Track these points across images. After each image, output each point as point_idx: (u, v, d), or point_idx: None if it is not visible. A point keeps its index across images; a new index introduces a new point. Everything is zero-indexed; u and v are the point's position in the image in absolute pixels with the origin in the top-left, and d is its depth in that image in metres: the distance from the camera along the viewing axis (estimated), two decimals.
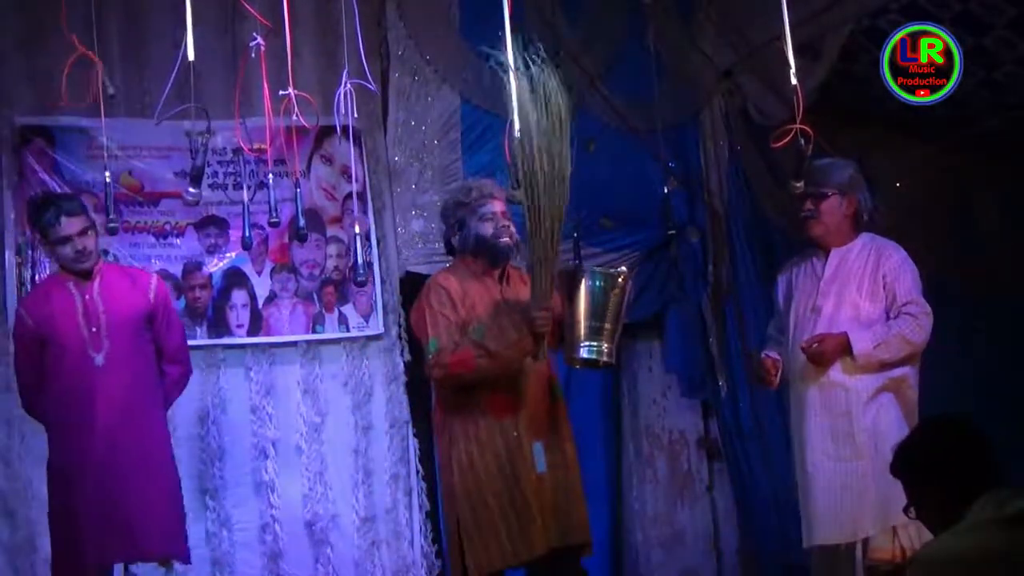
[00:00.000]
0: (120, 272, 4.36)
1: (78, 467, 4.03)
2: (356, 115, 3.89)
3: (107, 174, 3.79)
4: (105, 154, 3.98)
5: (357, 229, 4.17)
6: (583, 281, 3.82)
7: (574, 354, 3.85)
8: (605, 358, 3.84)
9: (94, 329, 4.07)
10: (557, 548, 3.80)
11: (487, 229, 3.92)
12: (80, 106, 4.15)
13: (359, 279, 4.22)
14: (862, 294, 4.24)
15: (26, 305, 4.21)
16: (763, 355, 4.40)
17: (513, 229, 3.98)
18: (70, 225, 4.04)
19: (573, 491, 3.92)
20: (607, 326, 3.81)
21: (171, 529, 4.15)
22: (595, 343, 3.80)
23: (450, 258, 4.18)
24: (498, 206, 3.95)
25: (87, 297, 4.10)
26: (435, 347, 3.81)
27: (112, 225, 3.93)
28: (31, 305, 4.17)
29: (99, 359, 4.06)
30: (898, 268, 4.24)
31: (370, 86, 3.99)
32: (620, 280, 3.84)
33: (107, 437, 4.03)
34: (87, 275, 4.13)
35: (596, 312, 3.80)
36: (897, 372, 4.18)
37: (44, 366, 4.10)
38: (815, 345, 4.17)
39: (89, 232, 4.09)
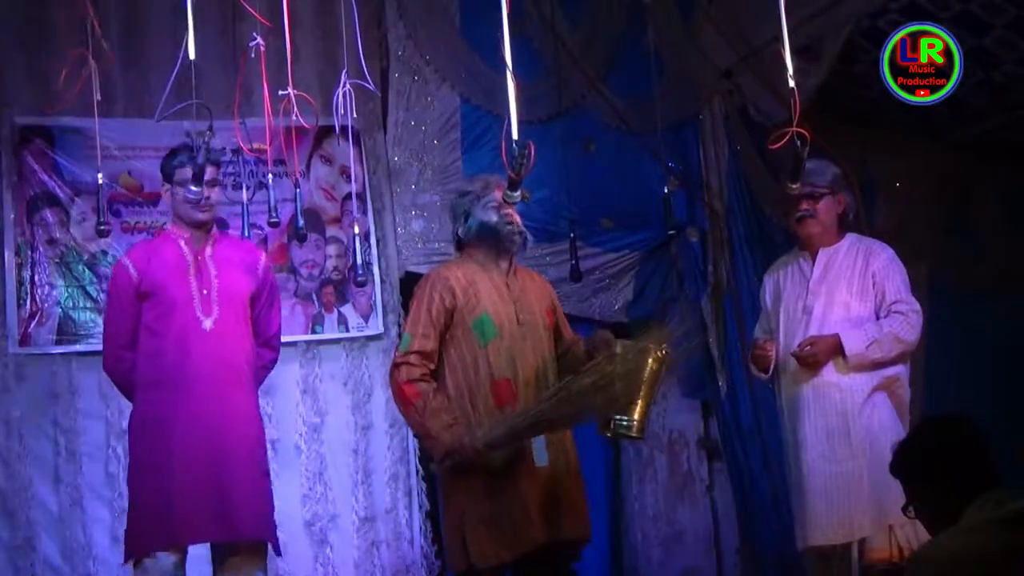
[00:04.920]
0: (234, 243, 4.15)
1: (177, 431, 3.75)
2: (356, 115, 3.88)
3: (99, 176, 3.71)
4: (99, 155, 3.95)
5: (356, 229, 4.16)
6: (616, 352, 3.78)
7: (605, 427, 3.82)
8: (634, 433, 3.80)
9: (205, 292, 3.85)
10: (555, 543, 3.80)
11: (491, 216, 3.94)
12: (80, 106, 4.15)
13: (359, 279, 4.22)
14: (852, 294, 4.24)
15: (131, 256, 3.93)
16: (755, 339, 4.42)
17: (518, 219, 3.98)
18: (209, 171, 3.79)
19: (574, 486, 3.92)
20: (639, 400, 3.76)
21: (266, 512, 3.89)
22: (625, 417, 3.74)
23: (453, 256, 4.19)
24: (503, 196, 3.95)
25: (199, 259, 3.89)
26: (405, 346, 3.84)
27: (102, 227, 3.68)
28: (137, 257, 3.91)
29: (208, 323, 3.83)
30: (887, 267, 4.24)
31: (369, 86, 3.98)
32: (658, 355, 3.79)
33: (211, 405, 3.79)
34: (201, 233, 3.92)
35: (627, 384, 3.73)
36: (890, 371, 4.18)
37: (140, 322, 3.85)
38: (807, 348, 4.17)
39: (216, 186, 3.93)
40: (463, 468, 3.76)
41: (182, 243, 3.91)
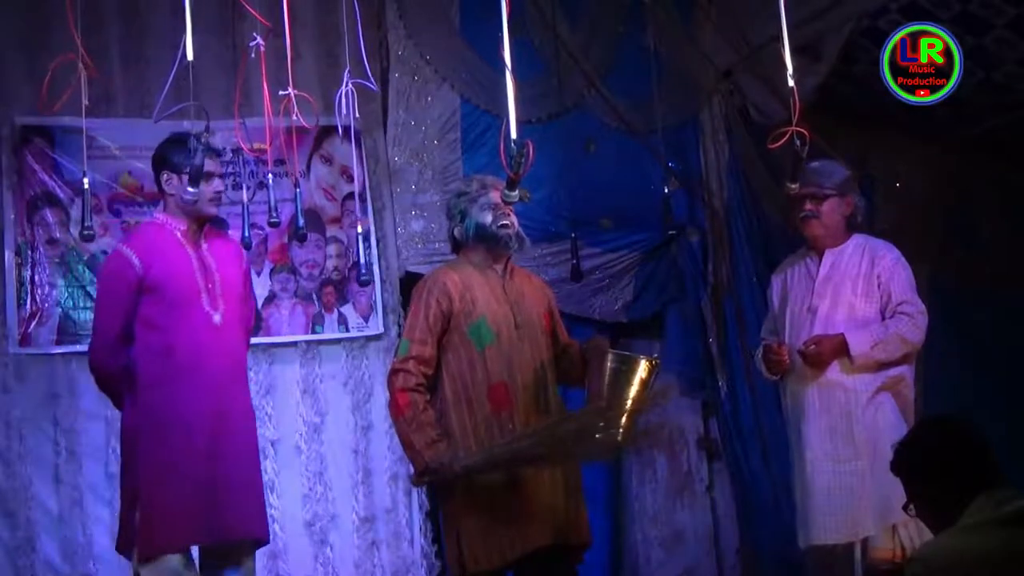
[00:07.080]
0: (219, 235, 4.07)
1: (196, 429, 3.70)
2: (357, 115, 3.89)
3: (84, 180, 3.66)
4: (84, 159, 3.95)
5: (360, 229, 4.17)
6: (607, 361, 3.79)
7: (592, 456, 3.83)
8: (619, 441, 3.79)
9: (210, 286, 3.78)
10: (553, 546, 3.80)
11: (487, 217, 3.94)
12: (79, 106, 4.14)
13: (362, 279, 4.21)
14: (857, 294, 4.24)
15: (133, 247, 3.77)
16: (764, 343, 4.41)
17: (515, 219, 3.98)
18: (215, 164, 3.81)
19: (573, 491, 3.92)
20: (625, 409, 3.75)
21: (264, 509, 3.89)
22: (611, 424, 3.73)
23: (452, 257, 4.19)
24: (500, 197, 3.95)
25: (199, 252, 3.82)
26: (403, 352, 3.86)
27: (87, 232, 3.61)
28: (138, 248, 3.76)
29: (217, 318, 3.77)
30: (892, 268, 4.25)
31: (371, 86, 3.98)
32: (647, 364, 3.79)
33: (224, 401, 3.76)
34: (197, 226, 3.83)
35: (616, 393, 3.75)
36: (895, 371, 4.19)
37: (137, 316, 3.72)
38: (812, 347, 4.17)
39: (221, 176, 3.90)
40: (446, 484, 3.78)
41: (179, 235, 3.81)
